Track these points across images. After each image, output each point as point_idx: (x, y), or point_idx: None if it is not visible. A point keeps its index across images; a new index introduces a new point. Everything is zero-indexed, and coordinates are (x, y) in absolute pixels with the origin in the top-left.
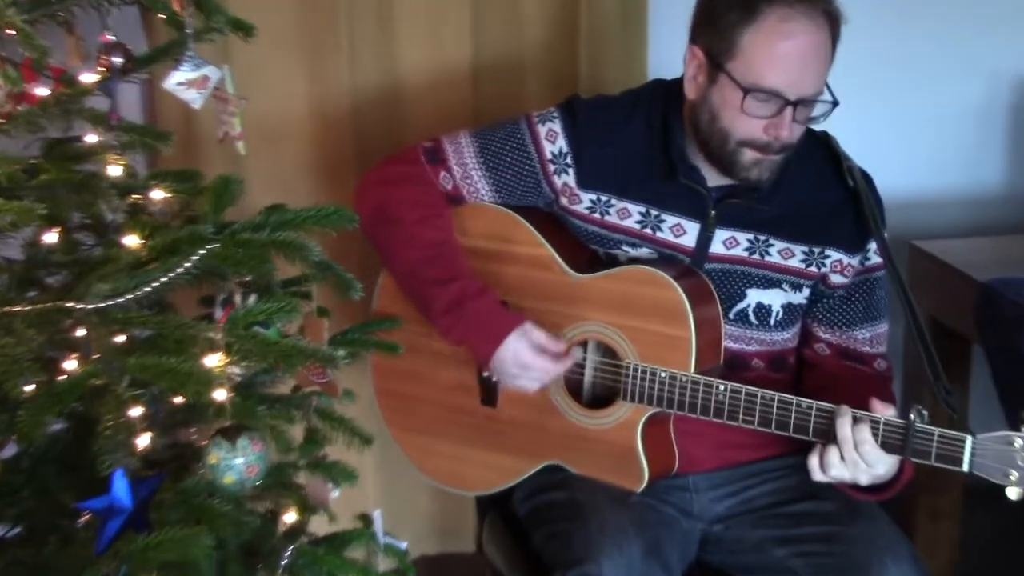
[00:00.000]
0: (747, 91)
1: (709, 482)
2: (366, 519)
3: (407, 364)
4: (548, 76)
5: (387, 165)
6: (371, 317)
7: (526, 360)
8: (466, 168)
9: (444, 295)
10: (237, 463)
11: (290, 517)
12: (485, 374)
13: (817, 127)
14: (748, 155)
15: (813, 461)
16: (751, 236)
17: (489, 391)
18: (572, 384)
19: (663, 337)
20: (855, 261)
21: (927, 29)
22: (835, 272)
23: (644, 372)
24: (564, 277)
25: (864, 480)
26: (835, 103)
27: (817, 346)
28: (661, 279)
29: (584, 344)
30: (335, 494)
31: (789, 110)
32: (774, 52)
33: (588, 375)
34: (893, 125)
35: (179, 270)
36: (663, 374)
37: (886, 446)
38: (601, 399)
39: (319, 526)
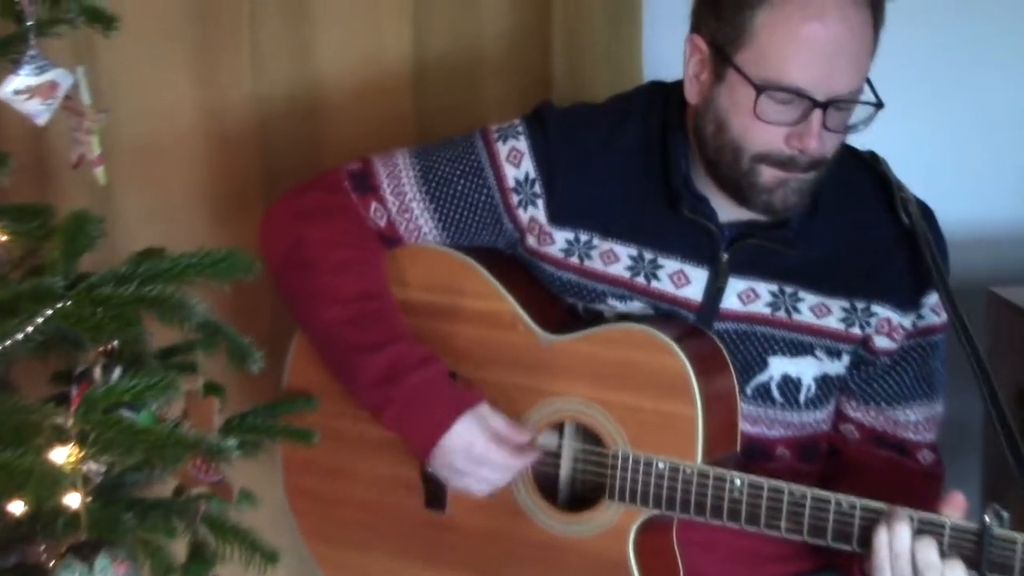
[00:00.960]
0: (761, 89)
1: None
2: None
3: (328, 456)
4: (512, 77)
5: (302, 194)
6: (281, 394)
7: (479, 452)
8: (404, 199)
9: (373, 365)
10: None
11: None
12: (429, 470)
13: (856, 138)
14: (767, 175)
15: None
16: (775, 288)
17: (436, 490)
18: (544, 480)
19: (661, 417)
20: (907, 321)
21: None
22: (881, 334)
23: (637, 463)
24: (531, 339)
25: None
26: (879, 105)
27: (844, 427)
28: (658, 342)
29: (559, 427)
30: None
31: (817, 114)
32: (797, 38)
33: (565, 467)
34: (957, 141)
35: (19, 336)
36: (661, 465)
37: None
38: (582, 499)
39: None
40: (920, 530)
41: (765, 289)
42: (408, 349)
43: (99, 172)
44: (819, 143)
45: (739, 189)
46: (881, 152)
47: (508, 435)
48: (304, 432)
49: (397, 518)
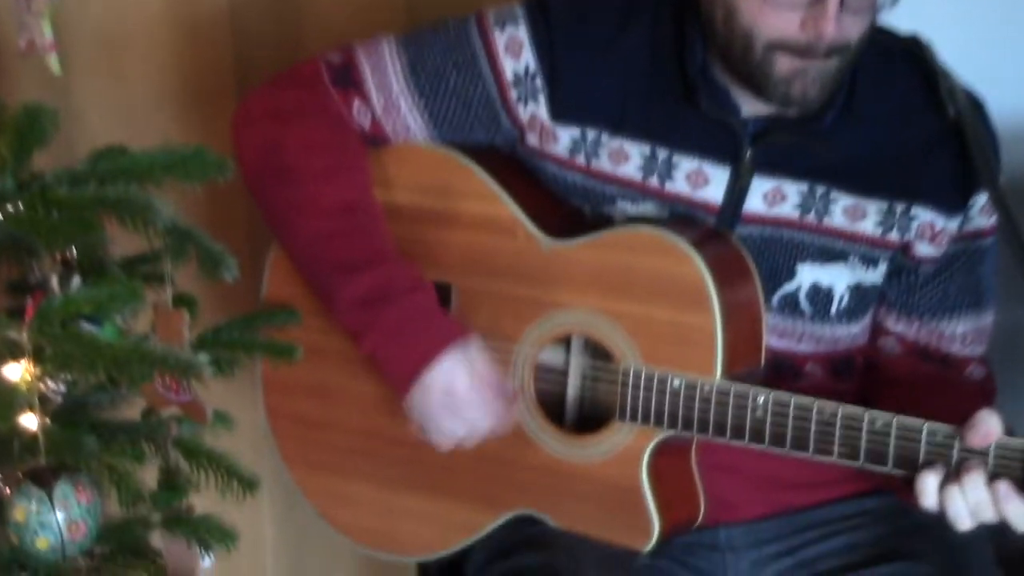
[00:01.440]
0: None
1: (750, 537)
2: None
3: (311, 375)
4: None
5: (277, 89)
6: (258, 307)
7: (462, 394)
8: (390, 94)
9: (356, 285)
10: (54, 520)
11: None
12: (405, 406)
13: (884, 19)
14: (783, 64)
15: (927, 482)
16: (804, 187)
17: None
18: (549, 400)
19: (676, 329)
20: (953, 224)
21: None
22: (923, 239)
23: (650, 379)
24: (533, 245)
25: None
26: None
27: (884, 340)
28: (673, 246)
29: (565, 342)
30: (206, 564)
31: None
32: None
33: (572, 386)
34: (1012, 20)
35: None
36: (677, 382)
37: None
38: (590, 419)
39: None
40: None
41: (794, 189)
42: (396, 271)
43: (51, 59)
44: (837, 27)
45: (754, 80)
46: (925, 34)
47: (493, 382)
48: (285, 347)
49: (386, 441)
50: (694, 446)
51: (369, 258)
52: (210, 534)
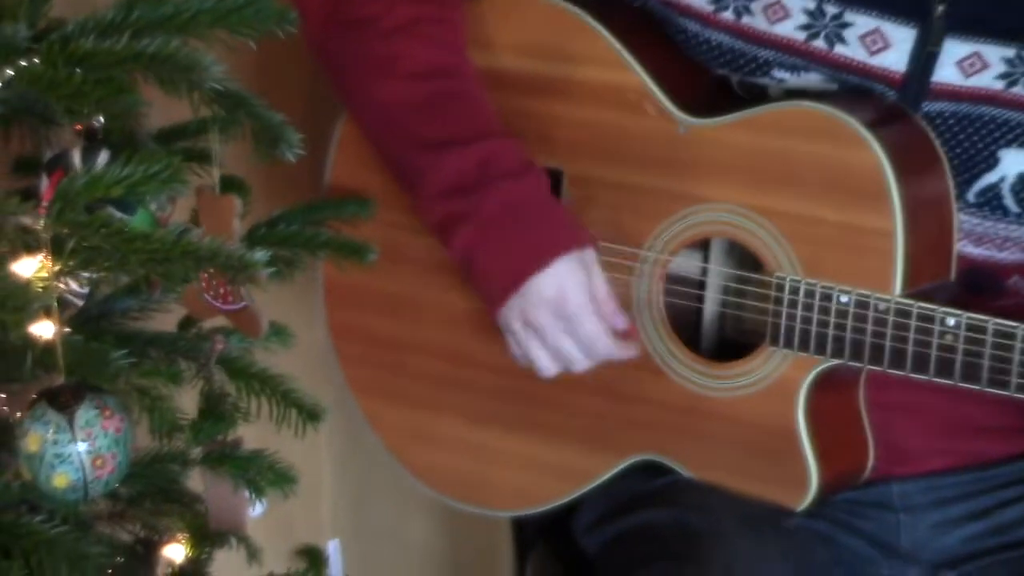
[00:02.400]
0: None
1: (931, 494)
2: (314, 556)
3: (387, 282)
4: None
5: None
6: (323, 195)
7: (573, 310)
8: None
9: (445, 167)
10: (75, 452)
11: (176, 552)
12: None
13: None
14: None
15: None
16: (1011, 53)
17: None
18: (682, 319)
19: (846, 232)
20: None
21: None
22: None
23: (811, 295)
24: (667, 124)
25: None
26: None
27: None
28: (844, 128)
29: (703, 246)
30: (258, 511)
31: None
32: None
33: (711, 302)
34: None
35: None
36: (844, 298)
37: None
38: (733, 344)
39: (230, 569)
40: None
41: (997, 55)
42: (502, 148)
43: None
44: None
45: None
46: None
47: (608, 306)
48: (356, 246)
49: (480, 370)
50: (863, 380)
51: (466, 134)
52: (262, 475)
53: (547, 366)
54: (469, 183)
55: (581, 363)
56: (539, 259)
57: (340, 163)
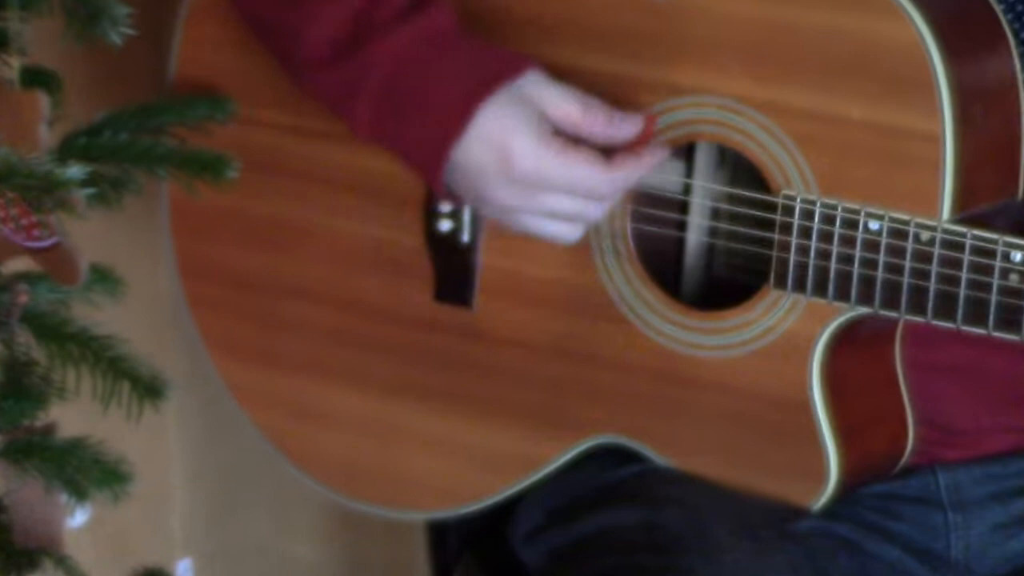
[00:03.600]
0: None
1: (991, 486)
2: None
3: (254, 204)
4: None
5: None
6: (163, 91)
7: (524, 169)
8: None
9: (321, 21)
10: None
11: None
12: (444, 206)
13: None
14: None
15: None
16: None
17: (456, 267)
18: (657, 251)
19: (877, 133)
20: None
21: None
22: None
23: (830, 218)
24: None
25: None
26: None
27: None
28: None
29: (685, 153)
30: (79, 520)
31: None
32: None
33: (695, 228)
34: None
35: None
36: (875, 224)
37: None
38: (725, 288)
39: None
40: None
41: None
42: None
43: None
44: None
45: None
46: None
47: (580, 120)
48: (211, 158)
49: (380, 321)
50: (899, 335)
51: None
52: (84, 472)
53: (561, 232)
54: (351, 37)
55: (571, 221)
56: (457, 116)
57: (188, 46)
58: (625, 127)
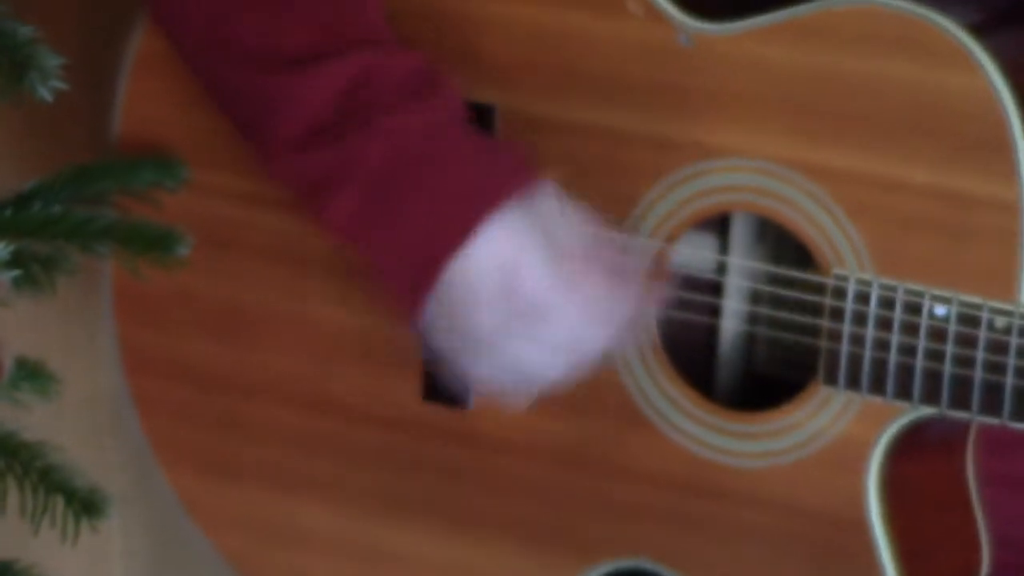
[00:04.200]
0: None
1: None
2: None
3: (209, 286)
4: None
5: None
6: (106, 151)
7: (533, 289)
8: None
9: (305, 96)
10: None
11: None
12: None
13: None
14: None
15: None
16: None
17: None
18: (687, 341)
19: (940, 203)
20: None
21: None
22: None
23: (889, 303)
24: (660, 31)
25: None
26: None
27: None
28: (936, 36)
29: (719, 226)
30: None
31: None
32: None
33: (731, 315)
34: None
35: None
36: (941, 310)
37: None
38: (765, 384)
39: None
40: None
41: None
42: (388, 61)
43: None
44: None
45: None
46: None
47: (593, 253)
48: (159, 233)
49: (359, 423)
50: (971, 440)
51: (335, 41)
52: None
53: (512, 391)
54: (339, 117)
55: (576, 356)
56: (456, 229)
57: (133, 100)
58: (638, 256)
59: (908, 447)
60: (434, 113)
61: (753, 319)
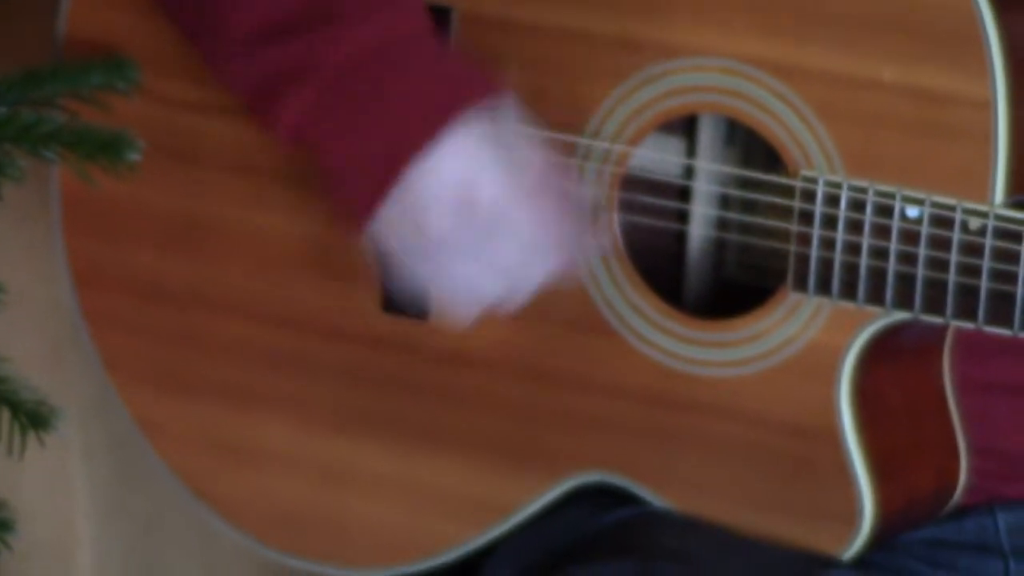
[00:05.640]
0: None
1: None
2: None
3: (162, 195)
4: None
5: None
6: (53, 55)
7: (490, 198)
8: None
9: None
10: None
11: None
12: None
13: None
14: None
15: None
16: None
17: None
18: (653, 248)
19: (913, 101)
20: None
21: None
22: None
23: (859, 204)
24: None
25: None
26: None
27: None
28: None
29: (686, 129)
30: None
31: None
32: None
33: (699, 220)
34: None
35: None
36: (913, 211)
37: None
38: (733, 290)
39: None
40: None
41: None
42: None
43: None
44: None
45: None
46: None
47: (549, 176)
48: (109, 136)
49: (319, 337)
50: (947, 345)
51: None
52: None
53: (459, 307)
54: (299, 17)
55: (513, 296)
56: (420, 134)
57: (80, 6)
58: (588, 188)
59: (881, 354)
60: (401, 23)
61: (722, 225)
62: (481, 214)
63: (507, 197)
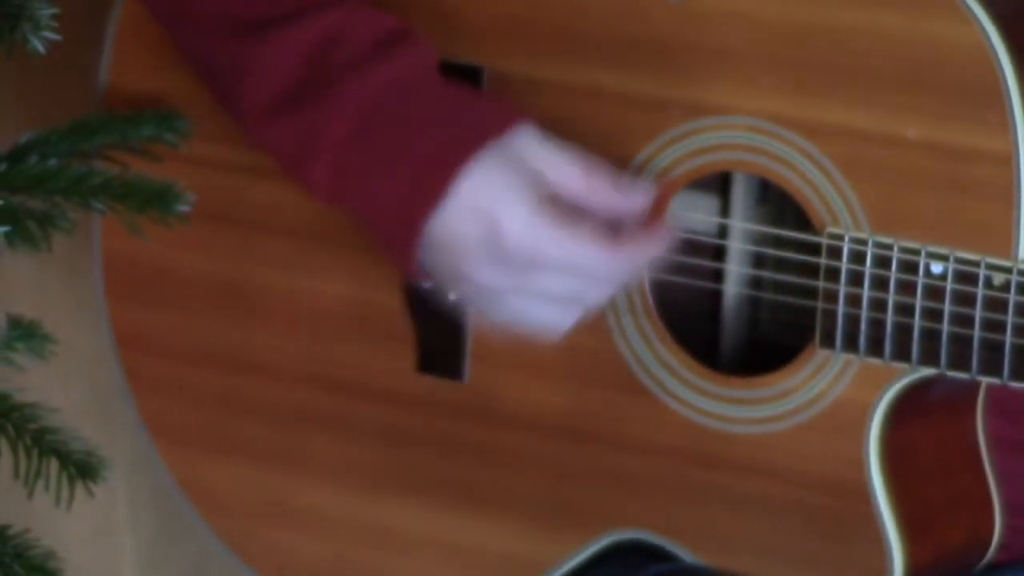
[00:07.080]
0: None
1: None
2: None
3: (205, 255)
4: None
5: None
6: (95, 108)
7: (517, 237)
8: None
9: (268, 62)
10: None
11: None
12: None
13: None
14: None
15: None
16: None
17: (442, 331)
18: (684, 307)
19: (935, 158)
20: None
21: None
22: None
23: (884, 261)
24: None
25: None
26: None
27: None
28: None
29: (720, 187)
30: None
31: None
32: None
33: (733, 278)
34: None
35: None
36: (937, 267)
37: None
38: (764, 348)
39: None
40: None
41: None
42: (352, 19)
43: None
44: None
45: None
46: None
47: (588, 186)
48: (159, 188)
49: (355, 398)
50: (980, 402)
51: (296, 4)
52: (3, 569)
53: (554, 318)
54: (305, 81)
55: (596, 292)
56: (432, 186)
57: (122, 59)
58: (635, 197)
59: (911, 409)
60: (404, 70)
61: (755, 282)
62: (511, 251)
63: (531, 227)
